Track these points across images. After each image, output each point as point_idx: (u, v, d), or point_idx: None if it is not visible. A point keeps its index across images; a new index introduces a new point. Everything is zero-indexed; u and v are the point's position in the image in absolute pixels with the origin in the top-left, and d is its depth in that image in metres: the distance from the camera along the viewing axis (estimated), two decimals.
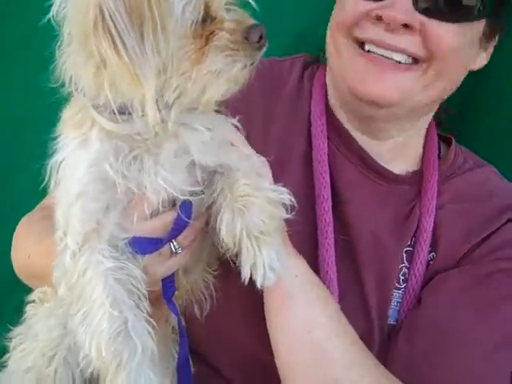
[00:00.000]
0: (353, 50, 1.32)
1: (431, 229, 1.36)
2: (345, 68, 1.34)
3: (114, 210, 1.05)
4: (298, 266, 1.21)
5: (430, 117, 1.47)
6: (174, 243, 1.13)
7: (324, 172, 1.37)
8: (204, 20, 0.96)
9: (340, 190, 1.39)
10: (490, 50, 1.40)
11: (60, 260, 1.06)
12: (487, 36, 1.34)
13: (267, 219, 1.07)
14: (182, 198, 1.07)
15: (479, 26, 1.31)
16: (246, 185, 1.08)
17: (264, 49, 1.01)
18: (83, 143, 1.03)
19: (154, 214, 1.08)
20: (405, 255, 1.37)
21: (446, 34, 1.26)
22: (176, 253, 1.14)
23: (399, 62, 1.28)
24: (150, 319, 1.08)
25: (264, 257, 1.06)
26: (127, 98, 0.95)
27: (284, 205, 1.10)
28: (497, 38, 1.39)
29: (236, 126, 1.14)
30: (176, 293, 1.22)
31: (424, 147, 1.47)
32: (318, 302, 1.20)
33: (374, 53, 1.29)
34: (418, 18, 1.25)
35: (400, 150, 1.45)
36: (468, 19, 1.27)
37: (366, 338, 1.25)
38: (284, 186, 1.13)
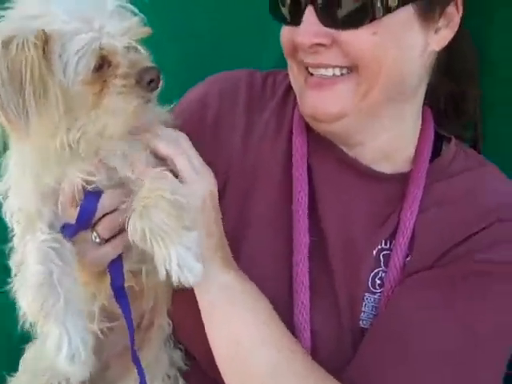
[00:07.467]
0: (299, 75, 1.34)
1: (410, 233, 1.32)
2: (297, 94, 1.39)
3: (49, 200, 1.20)
4: (227, 274, 1.25)
5: (412, 114, 1.40)
6: (94, 233, 1.22)
7: (301, 176, 1.38)
8: (101, 66, 1.09)
9: (316, 193, 1.39)
10: (454, 22, 1.31)
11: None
12: (428, 17, 1.27)
13: (168, 219, 1.13)
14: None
15: (400, 16, 1.24)
16: (147, 188, 1.16)
17: (156, 90, 1.13)
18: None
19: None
20: (382, 259, 1.33)
21: (356, 39, 1.24)
22: (98, 243, 1.22)
23: (337, 76, 1.29)
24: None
25: (172, 256, 1.12)
26: None
27: (184, 208, 1.15)
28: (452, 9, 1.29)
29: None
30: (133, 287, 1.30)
31: (416, 148, 1.41)
32: (246, 313, 1.24)
33: (314, 75, 1.31)
34: (327, 33, 1.25)
35: (386, 151, 1.40)
36: (371, 18, 1.23)
37: (336, 339, 1.30)
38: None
